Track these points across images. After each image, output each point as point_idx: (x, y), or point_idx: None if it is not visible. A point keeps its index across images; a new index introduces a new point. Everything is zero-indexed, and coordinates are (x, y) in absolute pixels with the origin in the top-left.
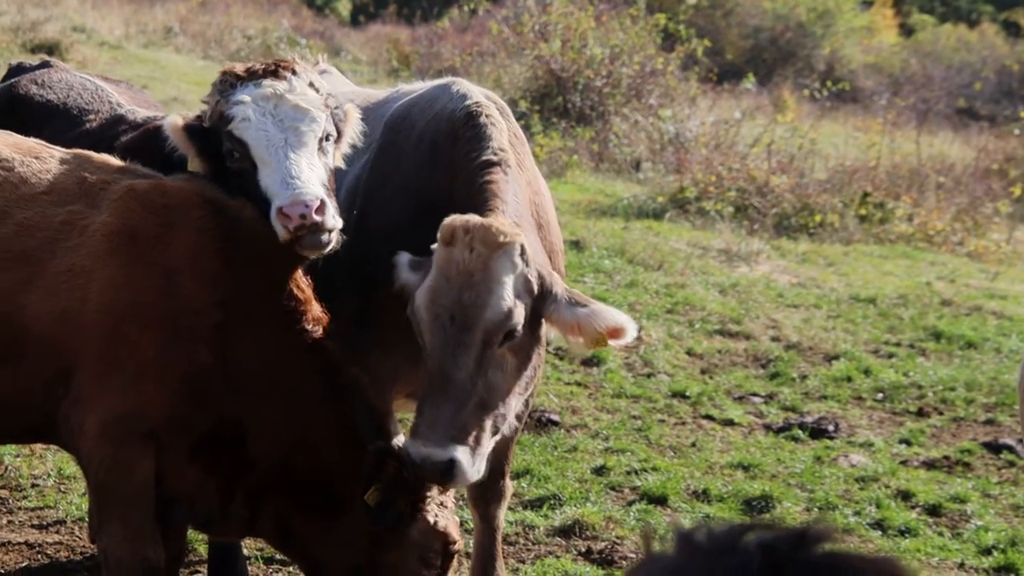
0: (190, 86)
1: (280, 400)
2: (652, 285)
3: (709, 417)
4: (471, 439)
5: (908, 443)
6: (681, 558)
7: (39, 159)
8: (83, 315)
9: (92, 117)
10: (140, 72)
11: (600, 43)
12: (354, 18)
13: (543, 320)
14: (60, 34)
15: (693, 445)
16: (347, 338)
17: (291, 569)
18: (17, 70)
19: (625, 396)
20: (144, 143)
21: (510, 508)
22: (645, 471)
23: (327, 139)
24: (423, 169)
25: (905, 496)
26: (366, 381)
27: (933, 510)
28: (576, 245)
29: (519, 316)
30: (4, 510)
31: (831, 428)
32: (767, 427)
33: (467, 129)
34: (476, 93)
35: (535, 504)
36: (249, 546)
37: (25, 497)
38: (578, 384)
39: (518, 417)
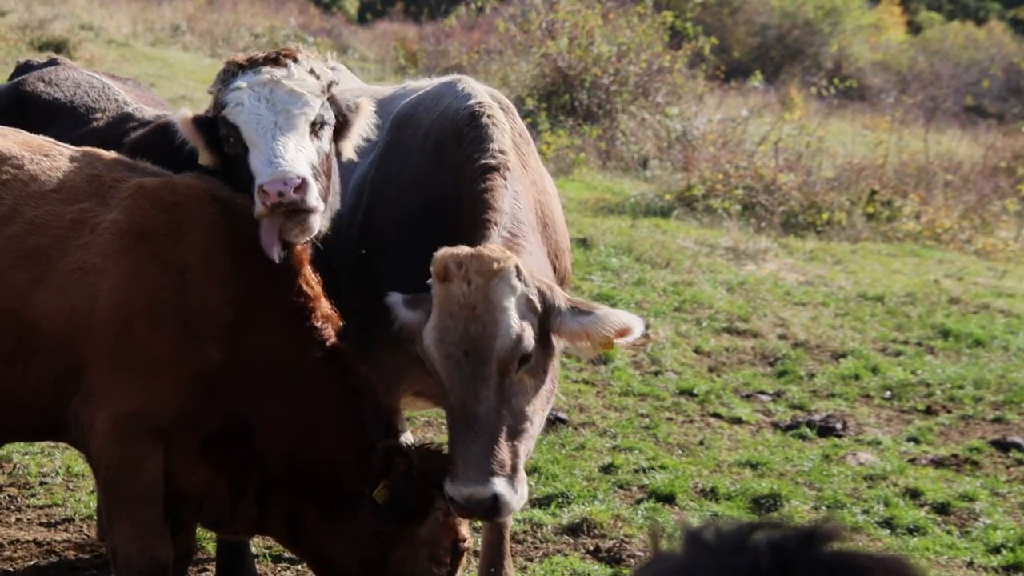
0: (197, 84)
1: (290, 397)
2: (659, 283)
3: (717, 415)
4: (508, 469)
5: (916, 441)
6: (689, 557)
7: (49, 157)
8: (93, 313)
9: (99, 115)
10: (148, 70)
11: (607, 41)
12: (361, 16)
13: (551, 334)
14: (68, 32)
15: (701, 443)
16: (354, 336)
17: (299, 567)
18: (25, 68)
19: (633, 394)
20: (152, 141)
21: None
22: (653, 469)
23: (322, 124)
24: (429, 167)
25: (913, 494)
26: (374, 379)
27: (941, 508)
28: (583, 243)
29: (529, 339)
30: (13, 508)
31: (839, 426)
32: (775, 425)
33: (471, 129)
34: (481, 92)
35: (543, 502)
36: (257, 544)
37: (34, 495)
38: (586, 382)
39: None
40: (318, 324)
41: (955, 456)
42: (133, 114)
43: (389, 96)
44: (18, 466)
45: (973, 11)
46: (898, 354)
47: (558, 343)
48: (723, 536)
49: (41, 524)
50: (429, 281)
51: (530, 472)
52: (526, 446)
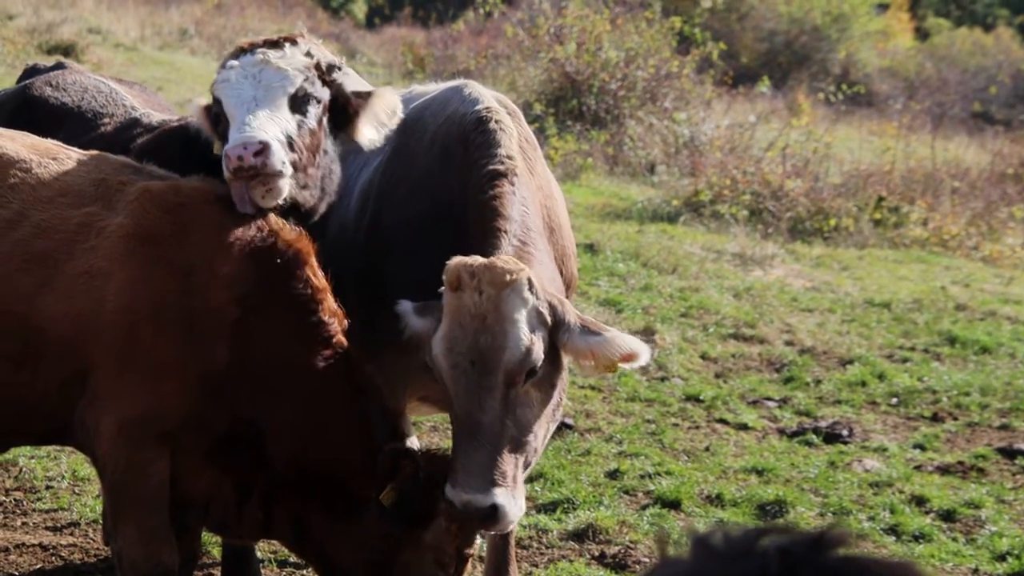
0: (205, 88)
1: (297, 399)
2: (666, 289)
3: (723, 421)
4: (509, 480)
5: (922, 448)
6: (697, 562)
7: (56, 160)
8: (100, 316)
9: (107, 120)
10: (155, 74)
11: (615, 46)
12: (369, 20)
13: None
14: (76, 36)
15: (707, 449)
16: (359, 340)
17: (305, 572)
18: (31, 72)
19: (639, 400)
20: (160, 145)
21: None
22: (659, 475)
23: (306, 99)
24: (436, 172)
25: (919, 501)
26: (379, 382)
27: (947, 515)
28: (590, 248)
29: (538, 352)
30: (18, 512)
31: (845, 433)
32: (781, 431)
33: (478, 134)
34: (487, 97)
35: (549, 508)
36: (263, 549)
37: (39, 499)
38: (592, 388)
39: None
40: (325, 318)
41: (961, 463)
42: (141, 119)
43: None
44: (24, 470)
45: (981, 17)
46: (904, 361)
47: (563, 357)
48: (731, 541)
49: (47, 528)
50: (441, 289)
51: (536, 478)
52: (528, 459)
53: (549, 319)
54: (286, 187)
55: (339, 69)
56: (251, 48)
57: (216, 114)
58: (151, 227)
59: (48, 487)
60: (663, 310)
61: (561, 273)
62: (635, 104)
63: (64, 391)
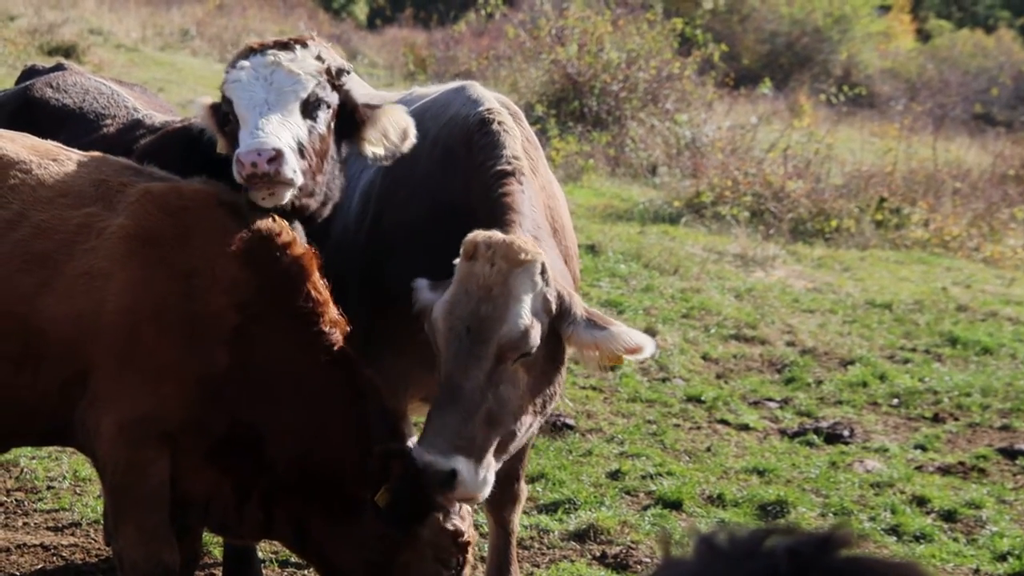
0: (206, 89)
1: (297, 402)
2: (668, 290)
3: (724, 422)
4: (476, 451)
5: (923, 449)
6: (703, 563)
7: (56, 161)
8: (100, 317)
9: (109, 122)
10: (156, 75)
11: (617, 47)
12: (371, 22)
13: (563, 341)
14: (77, 36)
15: (708, 450)
16: (361, 341)
17: (306, 572)
18: (30, 72)
19: (640, 400)
20: (161, 147)
21: (525, 512)
22: (660, 475)
23: (317, 104)
24: (438, 173)
25: (920, 502)
26: (380, 382)
27: (948, 516)
28: (592, 249)
29: (535, 337)
30: (20, 512)
31: (846, 433)
32: (782, 432)
33: (481, 136)
34: (489, 98)
35: (550, 508)
36: (264, 549)
37: (40, 499)
38: (593, 388)
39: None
40: (326, 329)
41: (962, 464)
42: (143, 120)
43: (395, 102)
44: (25, 470)
45: (982, 19)
46: (906, 361)
47: (567, 351)
48: (736, 542)
49: (48, 528)
50: (455, 260)
51: (537, 478)
52: (505, 441)
53: (554, 308)
54: (290, 194)
55: (348, 74)
56: (261, 49)
57: (225, 113)
58: (153, 229)
59: (49, 487)
60: (664, 311)
61: None
62: (636, 105)
63: (64, 392)
